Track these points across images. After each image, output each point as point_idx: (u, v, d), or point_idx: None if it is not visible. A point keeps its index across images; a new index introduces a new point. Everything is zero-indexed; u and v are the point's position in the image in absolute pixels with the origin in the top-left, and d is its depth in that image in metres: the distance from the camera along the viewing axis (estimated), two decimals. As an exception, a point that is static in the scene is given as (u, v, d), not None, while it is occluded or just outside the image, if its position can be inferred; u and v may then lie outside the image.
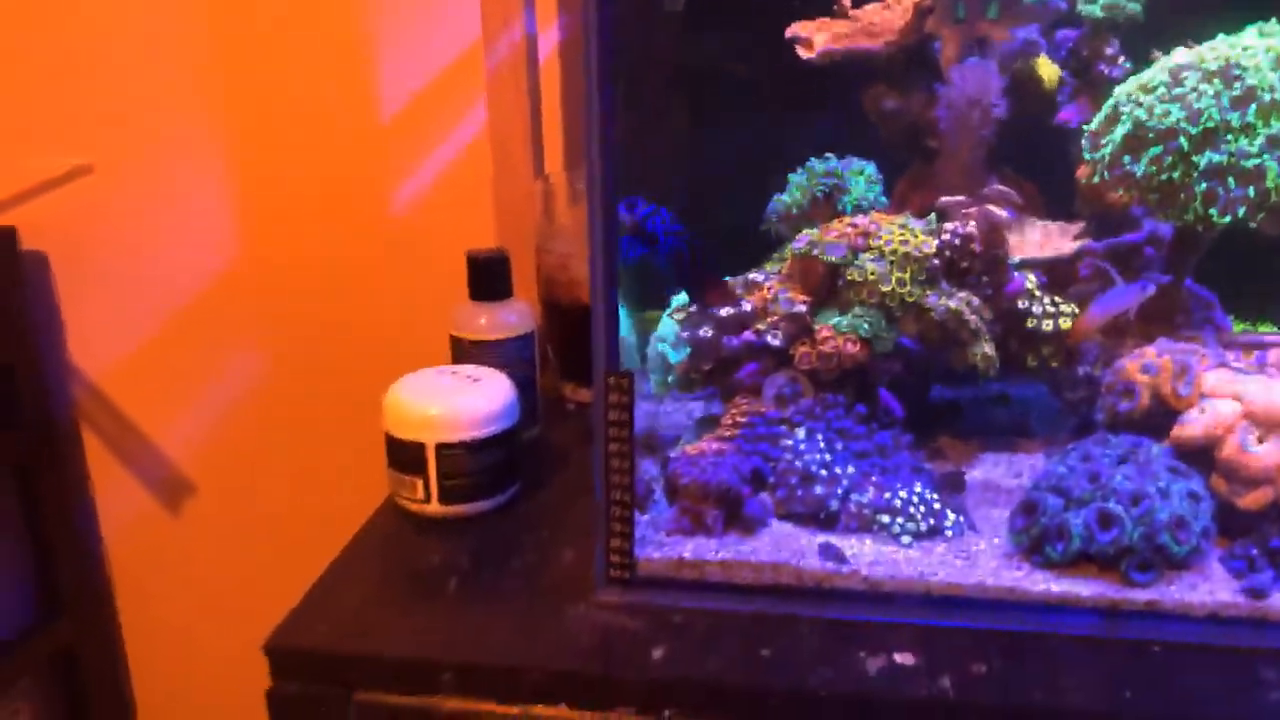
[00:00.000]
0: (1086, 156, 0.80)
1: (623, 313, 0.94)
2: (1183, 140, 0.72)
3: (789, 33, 0.92)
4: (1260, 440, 0.67)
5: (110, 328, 1.31)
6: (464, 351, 0.93)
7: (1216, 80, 0.73)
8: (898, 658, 0.65)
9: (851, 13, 0.92)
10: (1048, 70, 0.87)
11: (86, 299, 1.30)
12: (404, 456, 0.82)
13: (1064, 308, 0.79)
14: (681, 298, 0.86)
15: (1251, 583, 0.66)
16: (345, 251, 1.24)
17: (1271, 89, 0.72)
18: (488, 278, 0.93)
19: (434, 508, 0.81)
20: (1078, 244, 0.85)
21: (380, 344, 1.23)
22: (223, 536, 1.38)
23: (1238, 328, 0.86)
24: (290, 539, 1.33)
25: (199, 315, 1.29)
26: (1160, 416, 0.72)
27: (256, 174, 1.23)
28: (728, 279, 0.81)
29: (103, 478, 1.38)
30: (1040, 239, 0.86)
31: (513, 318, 0.93)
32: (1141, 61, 0.83)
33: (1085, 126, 0.81)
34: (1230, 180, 0.72)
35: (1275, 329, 0.91)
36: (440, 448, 0.80)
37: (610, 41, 0.62)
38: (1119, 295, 0.76)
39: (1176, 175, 0.73)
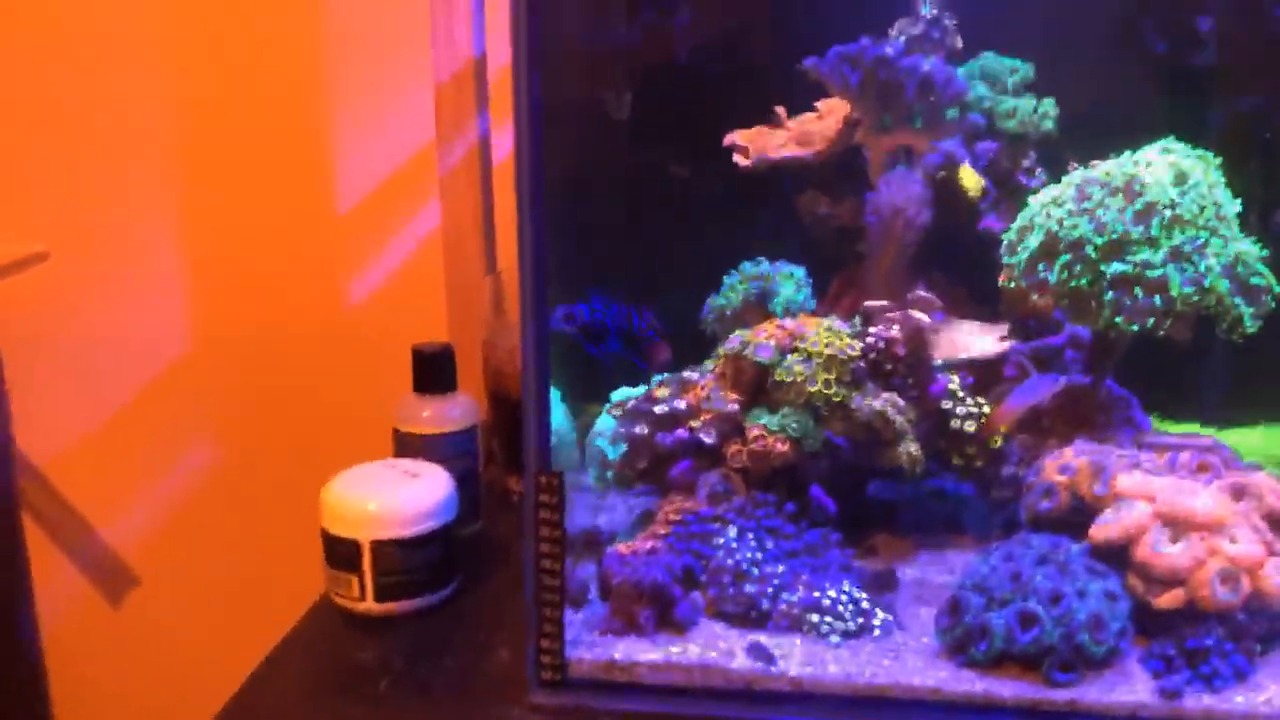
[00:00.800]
0: (1006, 262, 0.84)
1: (563, 408, 0.96)
2: (1090, 250, 0.75)
3: (726, 141, 0.97)
4: (1172, 540, 0.69)
5: (57, 415, 1.30)
6: (407, 445, 0.94)
7: (1120, 195, 0.77)
8: (825, 761, 0.65)
9: (786, 123, 0.97)
10: (971, 180, 0.92)
11: (34, 385, 1.29)
12: (339, 553, 0.81)
13: (986, 409, 0.82)
14: (620, 393, 0.88)
15: (1167, 684, 0.67)
16: (296, 344, 1.25)
17: (1172, 204, 0.76)
18: (432, 370, 0.94)
19: (369, 605, 0.81)
20: (1003, 345, 0.88)
21: (328, 437, 1.23)
22: (164, 629, 1.35)
23: (1157, 425, 0.89)
24: (233, 633, 1.30)
25: (147, 405, 1.29)
26: (1079, 515, 0.74)
27: (212, 264, 1.25)
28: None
29: (42, 566, 1.35)
30: (966, 340, 0.89)
31: (456, 411, 0.94)
32: (1059, 171, 0.87)
33: (1004, 235, 0.85)
34: (1137, 290, 0.76)
35: (1196, 427, 0.94)
36: (375, 544, 0.80)
37: (540, 147, 0.65)
38: (1033, 387, 0.79)
39: (1085, 283, 0.77)
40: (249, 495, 1.29)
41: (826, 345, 0.78)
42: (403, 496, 0.82)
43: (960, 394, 0.82)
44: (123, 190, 1.22)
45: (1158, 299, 0.76)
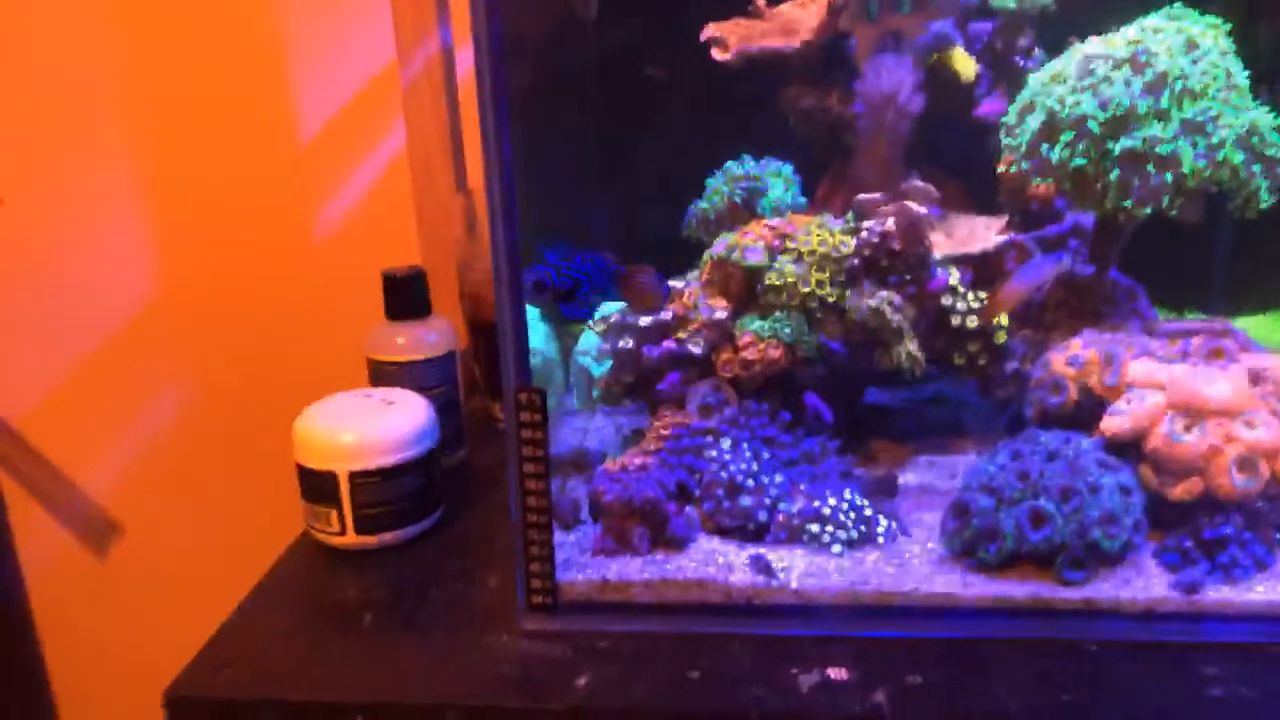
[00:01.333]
0: (1004, 145, 0.79)
1: (545, 328, 0.91)
2: (1094, 126, 0.70)
3: (704, 34, 0.91)
4: (1187, 429, 0.66)
5: (23, 366, 1.25)
6: (382, 374, 0.90)
7: (1126, 67, 0.72)
8: (831, 673, 0.62)
9: (766, 12, 0.91)
10: (964, 64, 0.86)
11: (-1, 338, 1.24)
12: (316, 487, 0.78)
13: (989, 303, 0.77)
14: (603, 309, 0.83)
15: (1185, 577, 0.64)
16: (266, 277, 1.20)
17: (1182, 74, 0.71)
18: (404, 296, 0.90)
19: (350, 539, 0.78)
20: (1003, 238, 0.84)
21: (303, 369, 1.19)
22: (151, 576, 1.33)
23: (1163, 316, 0.85)
24: (220, 573, 1.28)
25: (116, 350, 1.25)
26: (1090, 410, 0.71)
27: (173, 200, 1.20)
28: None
29: (23, 522, 1.32)
30: (965, 235, 0.84)
31: (432, 337, 0.90)
32: (1057, 52, 0.82)
33: (1003, 119, 0.80)
34: (1148, 167, 0.71)
35: (1203, 317, 0.90)
36: (354, 476, 0.77)
37: (502, 52, 0.60)
38: (1036, 267, 0.75)
39: (1087, 161, 0.72)
40: (226, 434, 1.26)
41: (819, 244, 0.73)
42: (379, 425, 0.79)
43: (961, 289, 0.77)
44: (76, 132, 1.17)
45: (1168, 176, 0.71)
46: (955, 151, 0.90)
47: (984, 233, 0.85)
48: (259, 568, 0.79)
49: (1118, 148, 0.71)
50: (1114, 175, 0.71)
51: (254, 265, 1.21)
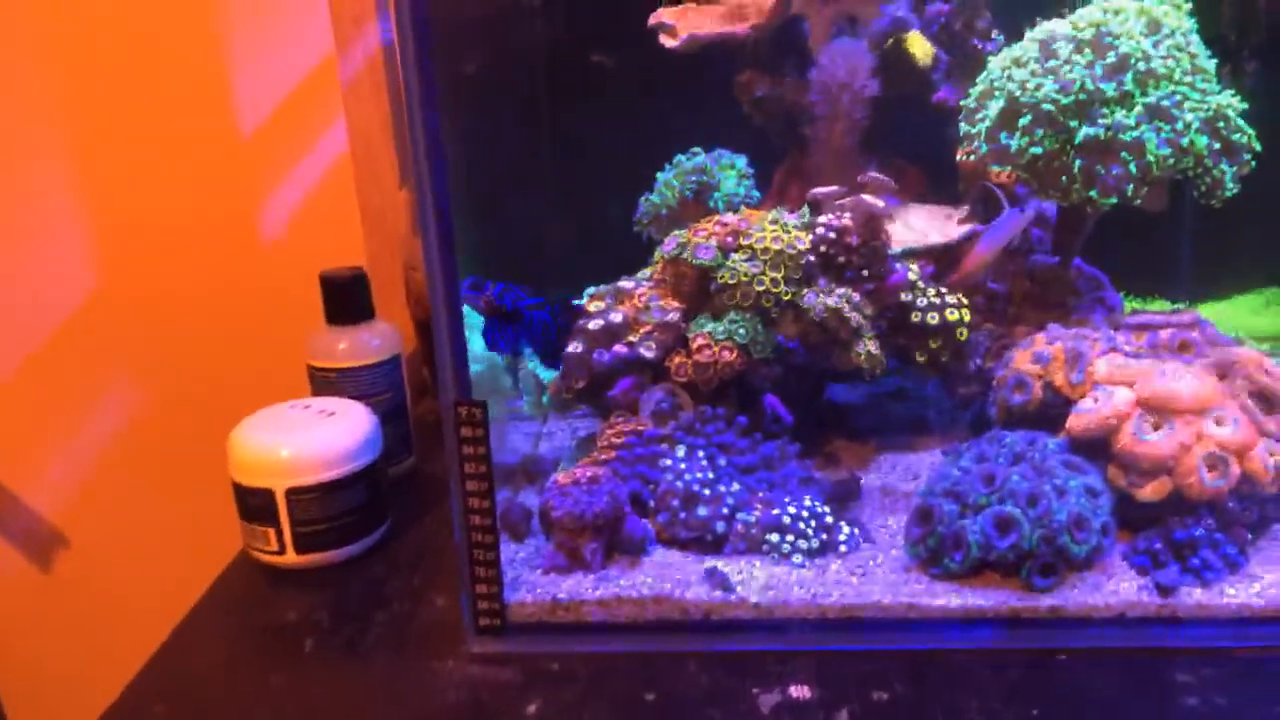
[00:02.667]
0: (963, 133, 0.76)
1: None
2: (1048, 108, 0.67)
3: (652, 20, 0.87)
4: (1155, 427, 0.64)
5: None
6: (322, 382, 0.86)
7: (1088, 50, 0.69)
8: (793, 691, 0.60)
9: (716, -4, 0.87)
10: (920, 48, 0.83)
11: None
12: (253, 505, 0.74)
13: (950, 299, 0.75)
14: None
15: (1159, 578, 0.62)
16: (205, 280, 1.15)
17: (1145, 56, 0.69)
18: (344, 299, 0.86)
19: (289, 558, 0.74)
20: (964, 228, 0.81)
21: (245, 376, 1.15)
22: (96, 588, 1.29)
23: (1129, 305, 0.83)
24: (165, 585, 1.24)
25: (52, 353, 1.19)
26: (1055, 408, 0.69)
27: (109, 200, 1.15)
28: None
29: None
30: (925, 224, 0.82)
31: (375, 341, 0.86)
32: (1017, 35, 0.79)
33: (963, 104, 0.77)
34: (1121, 155, 0.68)
35: (1167, 305, 0.88)
36: (291, 493, 0.73)
37: (428, 41, 0.56)
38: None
39: (1049, 147, 0.69)
40: (166, 444, 1.21)
41: (773, 240, 0.70)
42: (317, 438, 0.75)
43: (920, 284, 0.75)
44: (8, 131, 1.11)
45: (1132, 165, 0.68)
46: (913, 138, 0.87)
47: (944, 223, 0.82)
48: (203, 576, 0.75)
49: (1080, 135, 0.69)
50: (1077, 165, 0.68)
51: (193, 268, 1.16)
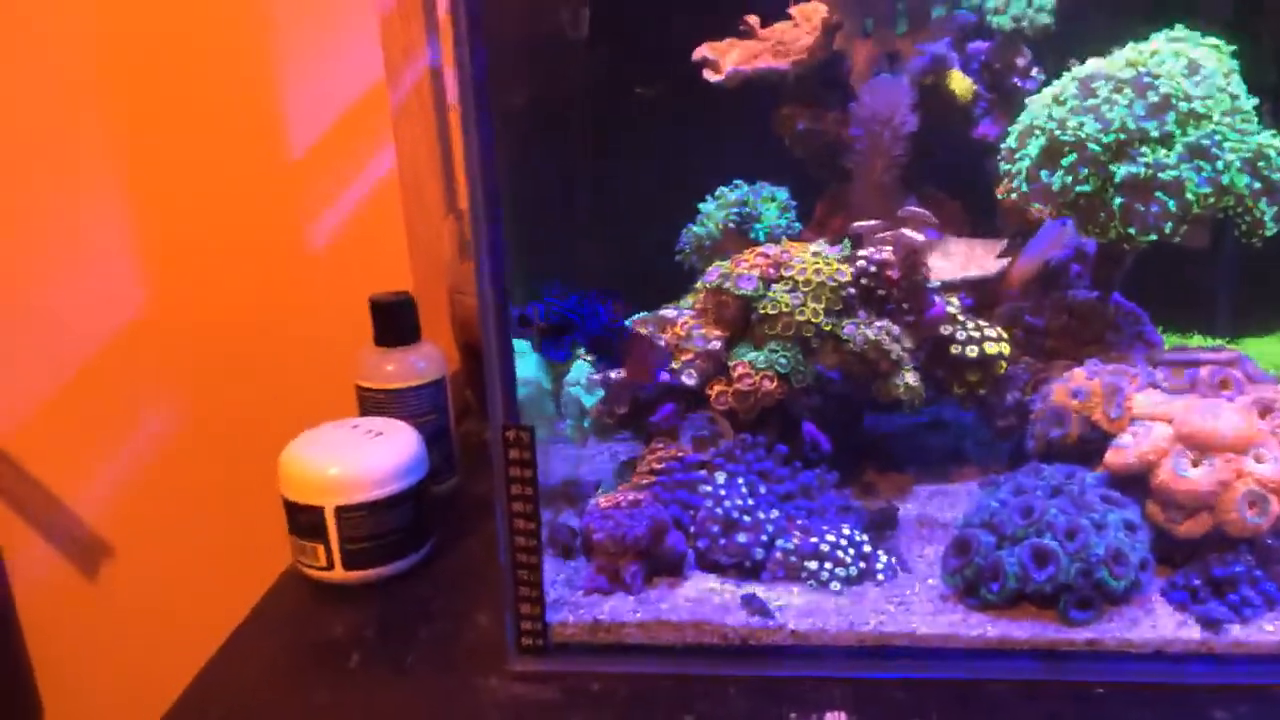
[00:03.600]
0: (1003, 170, 0.77)
1: (534, 356, 0.89)
2: (1094, 147, 0.69)
3: (696, 55, 0.89)
4: (1194, 464, 0.64)
5: (12, 386, 1.24)
6: (370, 402, 0.88)
7: (1128, 89, 0.70)
8: (830, 717, 0.60)
9: (759, 33, 0.89)
10: (961, 85, 0.84)
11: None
12: (303, 521, 0.76)
13: (989, 332, 0.76)
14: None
15: (1203, 613, 0.62)
16: (255, 300, 1.18)
17: (1186, 96, 0.70)
18: (391, 321, 0.88)
19: (337, 574, 0.76)
20: (1002, 263, 0.82)
21: (292, 394, 1.17)
22: (142, 600, 1.31)
23: (1169, 341, 0.84)
24: (211, 600, 1.26)
25: (103, 369, 1.23)
26: (1093, 442, 0.69)
27: (160, 223, 1.18)
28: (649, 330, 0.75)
29: (12, 544, 1.30)
30: (964, 258, 0.83)
31: (421, 364, 0.88)
32: (1056, 72, 0.80)
33: (1002, 143, 0.79)
34: (1157, 194, 0.69)
35: (1207, 341, 0.89)
36: (340, 510, 0.75)
37: (484, 73, 0.58)
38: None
39: (1090, 188, 0.70)
40: (213, 459, 1.24)
41: (814, 272, 0.71)
42: (366, 457, 0.77)
43: (960, 317, 0.76)
44: (61, 151, 1.15)
45: (1172, 203, 0.69)
46: (953, 172, 0.88)
47: (983, 256, 0.83)
48: (249, 589, 0.77)
49: (1120, 173, 0.70)
50: (1118, 202, 0.69)
51: (243, 288, 1.19)
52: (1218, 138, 0.69)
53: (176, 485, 1.26)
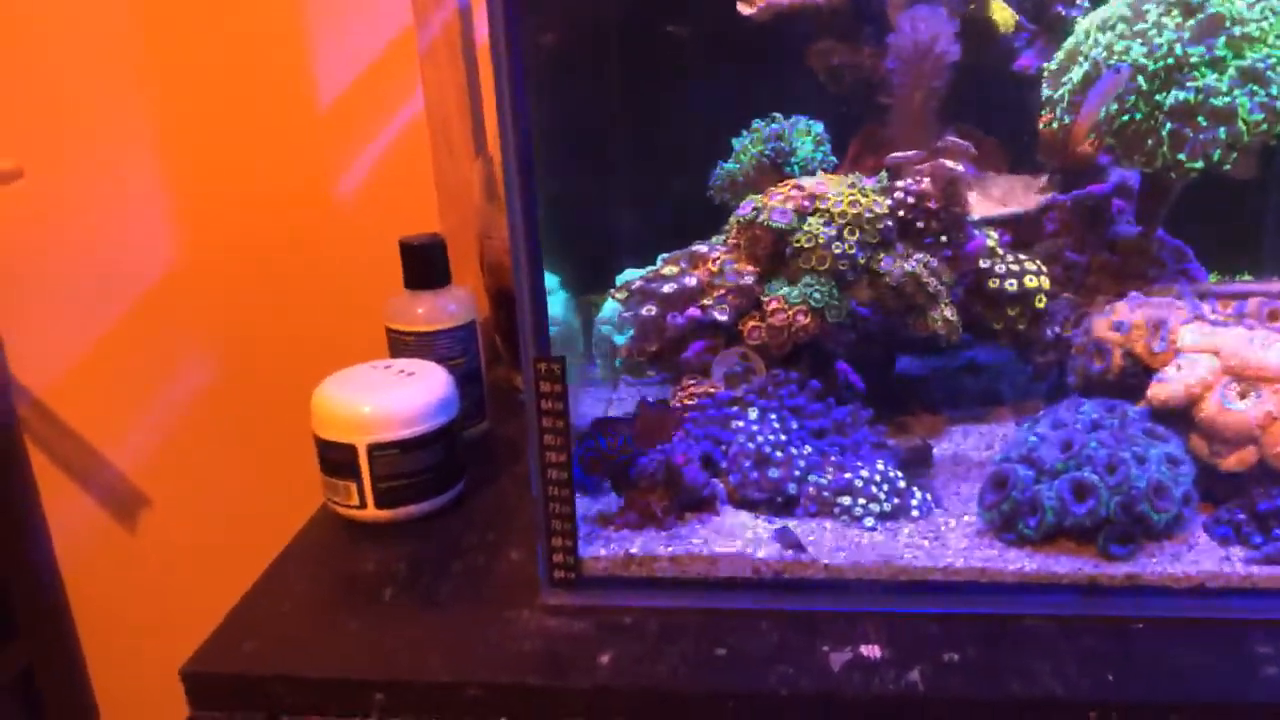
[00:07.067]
0: (1045, 99, 0.75)
1: (563, 296, 0.89)
2: (1141, 80, 0.66)
3: (729, -13, 0.87)
4: (1241, 396, 0.63)
5: (49, 338, 1.25)
6: (401, 345, 0.88)
7: (1177, 12, 0.68)
8: (864, 650, 0.60)
9: (794, -36, 0.87)
10: (1002, 14, 0.82)
11: (23, 309, 1.24)
12: (335, 459, 0.76)
13: (1029, 265, 0.74)
14: (625, 275, 0.80)
15: (1271, 550, 0.60)
16: (285, 246, 1.19)
17: (1239, 18, 0.67)
18: (422, 265, 0.88)
19: (369, 513, 0.76)
20: (1042, 198, 0.80)
21: (321, 340, 1.18)
22: (179, 547, 1.34)
23: (1214, 279, 0.81)
24: (245, 545, 1.28)
25: (137, 319, 1.24)
26: (1135, 376, 0.68)
27: (191, 170, 1.18)
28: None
29: (52, 493, 1.33)
30: (1003, 194, 0.81)
31: (452, 306, 0.88)
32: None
33: (1045, 71, 0.76)
34: (1199, 120, 0.67)
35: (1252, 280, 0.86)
36: (373, 448, 0.75)
37: (517, 11, 0.57)
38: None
39: (1140, 115, 0.68)
40: (248, 404, 1.25)
41: (850, 204, 0.70)
42: (398, 397, 0.77)
43: (1000, 251, 0.74)
44: (95, 102, 1.16)
45: (1223, 130, 0.67)
46: (992, 107, 0.86)
47: (1023, 193, 0.81)
48: (283, 532, 0.77)
49: (1169, 100, 0.67)
50: (1165, 130, 0.67)
51: (274, 234, 1.19)
52: (1272, 61, 0.66)
53: (212, 432, 1.27)
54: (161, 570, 1.34)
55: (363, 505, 0.76)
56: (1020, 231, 0.78)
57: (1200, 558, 0.62)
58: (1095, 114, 0.67)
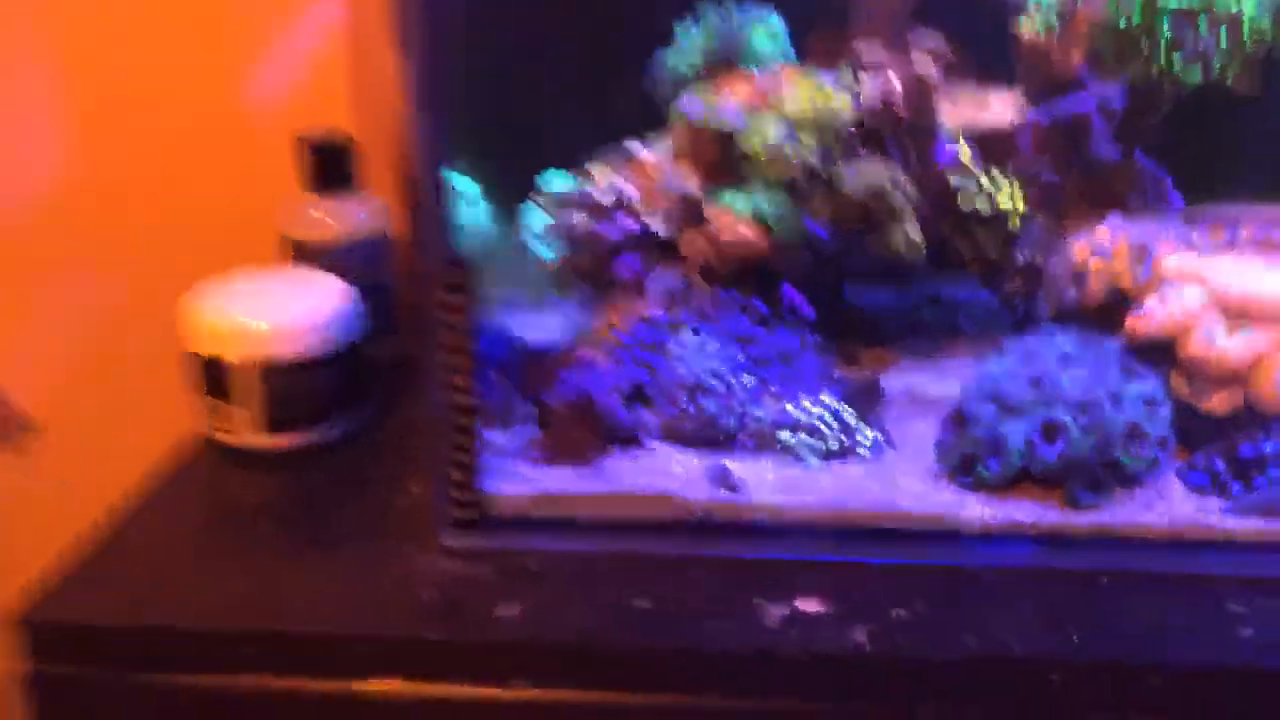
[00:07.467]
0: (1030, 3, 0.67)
1: (486, 207, 0.80)
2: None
3: None
4: (1229, 331, 0.57)
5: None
6: (302, 254, 0.79)
7: (1184, -103, 0.60)
8: (803, 604, 0.54)
9: None
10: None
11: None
12: (215, 379, 0.67)
13: (1003, 184, 0.67)
14: (549, 178, 0.72)
15: (1251, 501, 0.55)
16: (175, 149, 1.07)
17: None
18: (324, 163, 0.78)
19: (255, 439, 0.68)
20: (1019, 112, 0.72)
21: (215, 248, 1.08)
22: (72, 482, 1.24)
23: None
24: (109, 479, 1.19)
25: (20, 232, 1.12)
26: (1114, 307, 0.61)
27: (76, 59, 1.06)
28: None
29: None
30: (973, 108, 0.73)
31: (361, 214, 0.79)
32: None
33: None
34: (1201, 25, 0.60)
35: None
36: (258, 365, 0.66)
37: None
38: None
39: (1138, 20, 0.61)
40: (137, 321, 1.14)
41: (808, 104, 0.62)
42: (291, 308, 0.69)
43: (972, 167, 0.67)
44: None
45: (1225, 38, 0.60)
46: (963, 14, 0.78)
47: (996, 106, 0.73)
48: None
49: (1170, 2, 0.60)
50: (1165, 33, 0.60)
51: (164, 133, 1.07)
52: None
53: (100, 354, 1.17)
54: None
55: (252, 431, 0.67)
56: (992, 150, 0.71)
57: (1173, 508, 0.57)
58: (1099, 10, 0.60)
